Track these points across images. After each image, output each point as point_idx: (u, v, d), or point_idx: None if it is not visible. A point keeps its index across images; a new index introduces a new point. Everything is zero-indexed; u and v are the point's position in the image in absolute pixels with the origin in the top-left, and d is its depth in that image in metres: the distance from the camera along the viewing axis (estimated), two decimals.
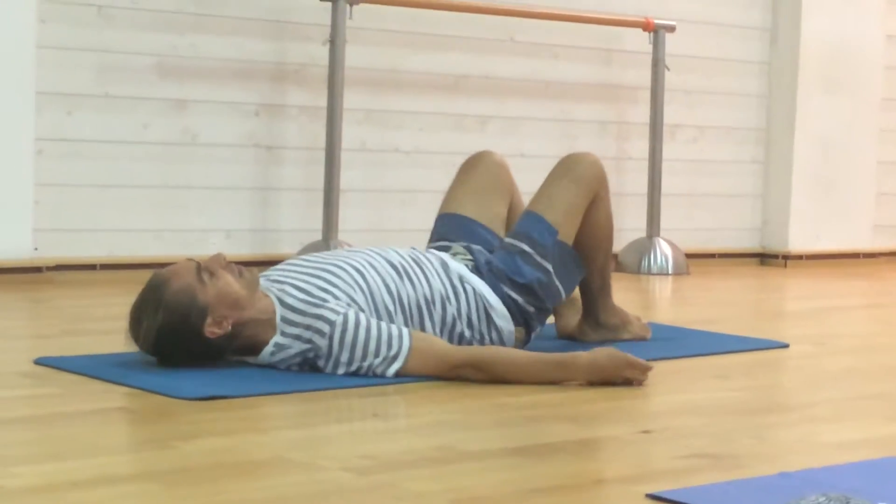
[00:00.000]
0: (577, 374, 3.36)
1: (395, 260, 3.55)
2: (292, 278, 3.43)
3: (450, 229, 3.87)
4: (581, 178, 3.83)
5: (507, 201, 3.96)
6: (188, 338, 3.28)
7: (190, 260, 3.37)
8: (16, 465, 2.46)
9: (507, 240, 3.76)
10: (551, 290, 3.74)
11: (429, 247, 3.87)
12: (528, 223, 3.76)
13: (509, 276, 3.67)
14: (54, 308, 4.60)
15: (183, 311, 3.26)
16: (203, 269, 3.32)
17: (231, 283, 3.32)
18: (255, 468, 2.51)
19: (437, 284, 3.57)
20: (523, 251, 3.70)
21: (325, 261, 3.50)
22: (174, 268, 3.35)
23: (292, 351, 3.33)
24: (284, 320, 3.33)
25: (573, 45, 6.36)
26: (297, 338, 3.33)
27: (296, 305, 3.34)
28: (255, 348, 3.35)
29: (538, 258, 3.70)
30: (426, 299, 3.53)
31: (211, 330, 3.28)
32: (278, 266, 3.56)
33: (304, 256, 3.59)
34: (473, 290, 3.62)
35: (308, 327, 3.32)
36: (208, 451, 2.64)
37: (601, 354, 3.37)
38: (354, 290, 3.41)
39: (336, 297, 3.37)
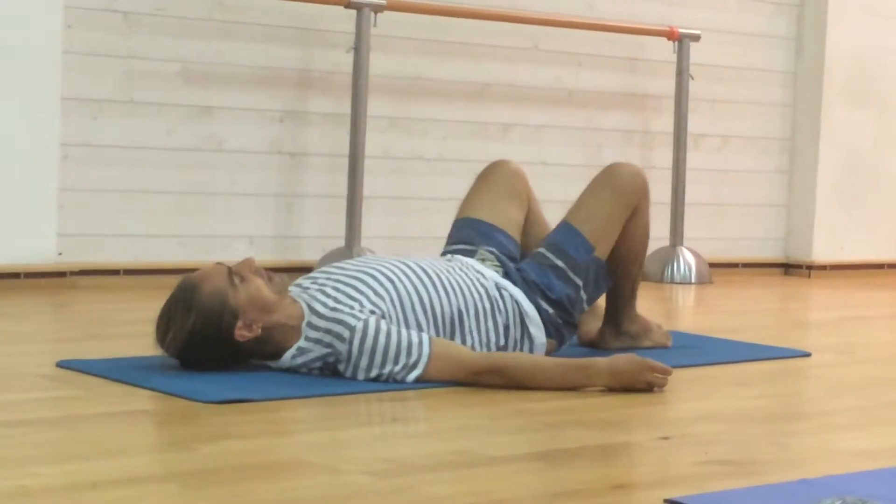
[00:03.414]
0: (597, 378, 3.36)
1: (431, 270, 3.54)
2: (322, 285, 3.43)
3: (469, 234, 3.86)
4: (622, 190, 3.82)
5: (524, 208, 3.94)
6: (218, 340, 3.28)
7: (219, 264, 3.38)
8: (38, 465, 2.47)
9: (542, 251, 3.74)
10: (578, 304, 3.74)
11: (447, 250, 3.86)
12: (564, 236, 3.75)
13: (542, 289, 3.67)
14: (77, 312, 4.62)
15: (216, 314, 3.27)
16: (234, 272, 3.33)
17: (261, 286, 3.33)
18: (276, 471, 2.52)
19: (471, 295, 3.56)
20: (556, 266, 3.69)
21: (357, 268, 3.50)
22: (204, 271, 3.35)
23: (313, 355, 3.34)
24: (309, 325, 3.34)
25: (597, 53, 6.36)
26: (318, 342, 3.33)
27: (320, 311, 3.35)
28: (280, 353, 3.37)
29: (570, 274, 3.70)
30: (459, 311, 3.52)
31: (241, 333, 3.29)
32: (310, 274, 3.56)
33: (336, 264, 3.59)
34: (511, 296, 3.62)
35: (328, 331, 3.32)
36: (229, 454, 2.65)
37: (621, 359, 3.37)
38: (383, 299, 3.41)
39: (362, 305, 3.37)
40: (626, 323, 3.98)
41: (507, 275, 3.68)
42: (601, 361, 3.38)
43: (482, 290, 3.59)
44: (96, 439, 2.72)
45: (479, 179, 4.00)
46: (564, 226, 3.79)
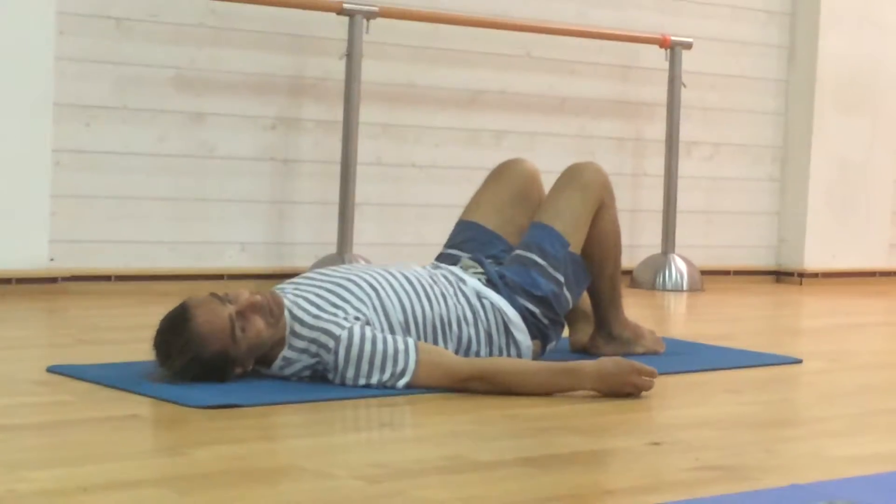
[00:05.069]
0: (583, 381, 3.36)
1: (413, 278, 3.54)
2: (305, 291, 3.43)
3: (465, 238, 3.86)
4: (586, 186, 3.83)
5: (532, 213, 3.92)
6: (213, 380, 3.27)
7: (220, 301, 3.27)
8: (28, 470, 2.47)
9: (519, 252, 3.75)
10: (562, 301, 3.74)
11: (443, 252, 3.87)
12: (538, 235, 3.75)
13: (526, 288, 3.66)
14: (69, 318, 4.61)
15: (217, 368, 3.25)
16: (237, 318, 3.25)
17: (261, 332, 3.29)
18: (267, 476, 2.52)
19: (453, 304, 3.56)
20: (537, 263, 3.70)
21: (341, 275, 3.49)
22: (210, 324, 3.22)
23: (300, 364, 3.34)
24: (293, 333, 3.34)
25: (590, 61, 6.36)
26: (304, 351, 3.33)
27: (304, 319, 3.34)
28: (266, 359, 3.37)
29: (551, 270, 3.70)
30: (442, 319, 3.53)
31: (235, 374, 3.30)
32: (294, 279, 3.55)
33: (320, 270, 3.58)
34: (492, 304, 3.62)
35: (314, 341, 3.32)
36: (220, 459, 2.64)
37: (607, 362, 3.38)
38: (367, 306, 3.41)
39: (346, 312, 3.37)
40: (617, 328, 3.98)
41: (489, 281, 3.67)
42: (588, 364, 3.39)
43: (464, 300, 3.59)
44: (87, 444, 2.72)
45: (490, 178, 3.99)
46: (536, 225, 3.79)
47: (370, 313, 3.40)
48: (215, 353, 3.24)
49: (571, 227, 3.77)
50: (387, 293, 3.46)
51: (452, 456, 2.73)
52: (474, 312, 3.59)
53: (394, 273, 3.53)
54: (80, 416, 2.97)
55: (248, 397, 3.14)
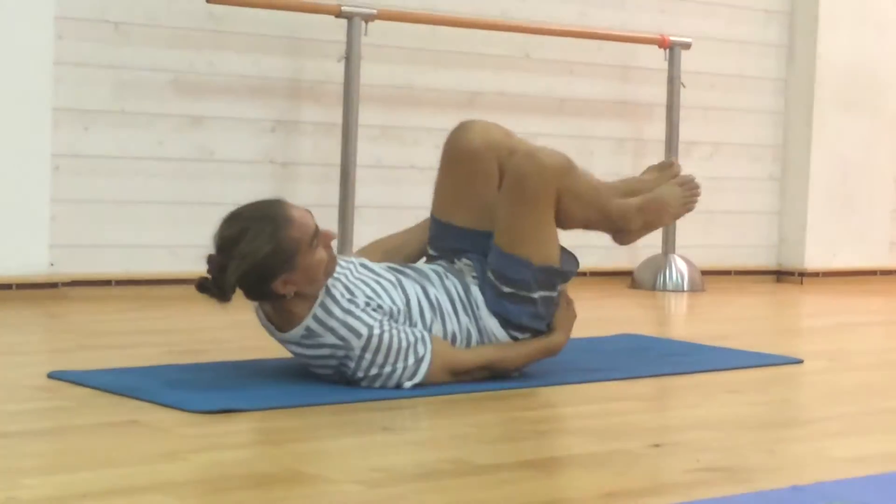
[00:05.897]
0: (557, 349, 3.66)
1: (433, 297, 3.58)
2: (343, 271, 3.47)
3: (448, 248, 3.74)
4: (533, 195, 3.58)
5: (495, 181, 3.69)
6: (258, 274, 3.29)
7: (310, 214, 3.38)
8: (28, 477, 2.47)
9: (491, 278, 3.63)
10: (544, 308, 3.63)
11: (434, 254, 3.80)
12: (500, 262, 3.61)
13: (502, 318, 3.63)
14: (69, 323, 4.61)
15: (280, 256, 3.28)
16: (316, 235, 3.34)
17: (321, 263, 3.35)
18: (267, 481, 2.52)
19: (464, 321, 3.61)
20: (505, 293, 3.61)
21: (379, 275, 3.55)
22: (297, 216, 3.34)
23: (322, 340, 3.36)
24: (323, 307, 3.36)
25: (589, 61, 6.36)
26: (332, 331, 3.35)
27: (338, 299, 3.39)
28: (286, 321, 3.39)
29: (522, 293, 3.60)
30: (454, 334, 3.58)
31: (276, 287, 3.31)
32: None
33: (363, 261, 3.62)
34: (486, 327, 3.62)
35: (345, 324, 3.35)
36: (220, 464, 2.64)
37: (565, 327, 3.67)
38: (395, 304, 3.48)
39: (380, 305, 3.44)
40: (628, 219, 3.80)
41: (481, 289, 3.65)
42: (555, 337, 3.65)
43: (470, 312, 3.62)
44: (87, 450, 2.72)
45: (445, 162, 3.80)
46: (496, 251, 3.63)
47: (400, 318, 3.47)
48: (293, 239, 3.29)
49: (533, 244, 3.60)
50: (415, 306, 3.53)
51: (452, 459, 2.73)
52: (477, 327, 3.62)
53: (419, 291, 3.57)
54: (80, 421, 2.97)
55: (248, 402, 3.14)
